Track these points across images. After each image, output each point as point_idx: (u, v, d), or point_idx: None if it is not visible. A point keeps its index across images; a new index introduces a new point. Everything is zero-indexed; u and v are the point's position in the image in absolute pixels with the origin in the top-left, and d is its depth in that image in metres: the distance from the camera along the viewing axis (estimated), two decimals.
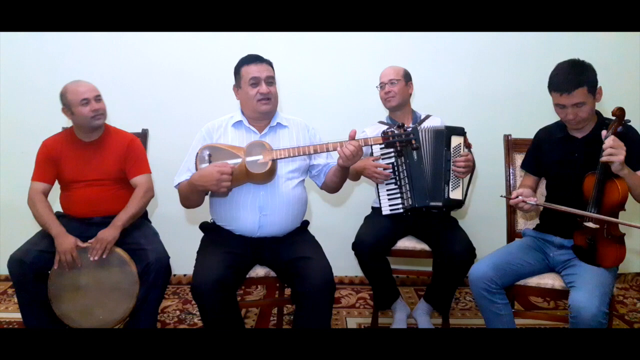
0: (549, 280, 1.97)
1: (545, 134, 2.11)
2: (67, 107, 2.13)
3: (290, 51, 2.90)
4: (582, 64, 1.85)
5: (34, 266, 2.00)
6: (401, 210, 2.30)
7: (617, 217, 1.82)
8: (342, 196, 3.04)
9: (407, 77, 2.45)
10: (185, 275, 3.06)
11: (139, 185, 2.21)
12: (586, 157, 1.88)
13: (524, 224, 2.31)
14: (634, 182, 1.77)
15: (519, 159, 2.34)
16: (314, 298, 1.82)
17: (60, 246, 2.01)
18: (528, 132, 2.22)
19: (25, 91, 2.91)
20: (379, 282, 2.35)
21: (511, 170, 2.38)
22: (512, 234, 2.33)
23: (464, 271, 2.18)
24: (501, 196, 2.12)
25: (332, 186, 2.13)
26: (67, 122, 2.41)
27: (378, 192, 2.37)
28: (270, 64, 2.03)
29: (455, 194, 2.26)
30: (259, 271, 2.08)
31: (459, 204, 2.28)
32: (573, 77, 1.80)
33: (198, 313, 2.00)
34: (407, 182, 2.28)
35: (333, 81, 2.95)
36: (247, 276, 2.05)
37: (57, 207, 2.23)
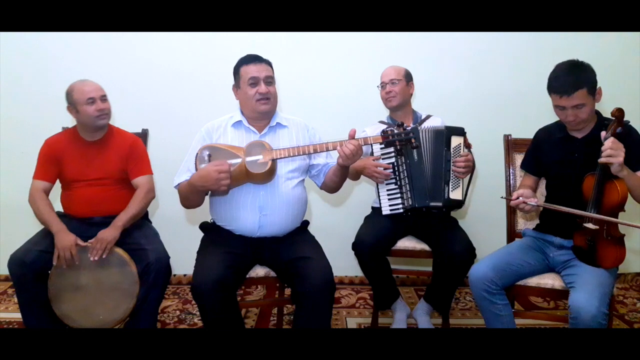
0: (549, 280, 1.97)
1: (544, 134, 2.11)
2: (73, 105, 2.14)
3: (290, 51, 2.90)
4: (582, 65, 1.84)
5: (34, 266, 2.00)
6: (401, 210, 2.30)
7: (616, 218, 1.82)
8: (342, 196, 3.04)
9: (408, 77, 2.45)
10: (185, 275, 3.06)
11: (141, 186, 2.21)
12: (586, 158, 1.88)
13: (524, 224, 2.31)
14: (634, 182, 1.77)
15: (519, 159, 2.34)
16: (314, 298, 1.82)
17: (60, 242, 2.01)
18: (528, 132, 2.22)
19: (25, 91, 2.91)
20: (379, 282, 2.35)
21: (511, 170, 2.38)
22: (512, 234, 2.33)
23: (464, 271, 2.18)
24: (502, 197, 2.12)
25: (332, 186, 2.13)
26: (68, 122, 2.41)
27: (378, 192, 2.37)
28: (269, 63, 2.03)
29: (455, 194, 2.26)
30: (259, 271, 2.08)
31: (459, 204, 2.28)
32: (572, 79, 1.80)
33: (198, 313, 2.00)
34: (407, 182, 2.28)
35: (333, 81, 2.95)
36: (247, 276, 2.05)
37: (58, 207, 2.23)
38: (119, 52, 2.89)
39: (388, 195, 2.33)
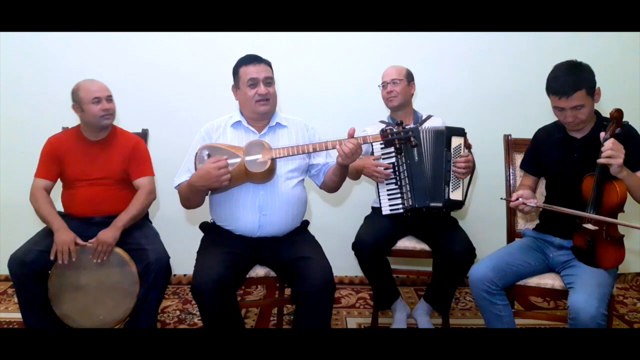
0: (549, 280, 1.97)
1: (544, 134, 2.11)
2: (78, 104, 2.14)
3: (290, 51, 2.90)
4: (580, 65, 1.84)
5: (34, 266, 2.00)
6: (401, 211, 2.30)
7: (615, 219, 1.82)
8: (342, 196, 3.04)
9: (409, 77, 2.45)
10: (185, 275, 3.06)
11: (142, 187, 2.21)
12: (585, 158, 1.88)
13: (524, 224, 2.31)
14: (633, 183, 1.77)
15: (519, 159, 2.34)
16: (314, 298, 1.82)
17: (59, 238, 2.01)
18: (528, 132, 2.21)
19: (25, 91, 2.91)
20: (379, 282, 2.35)
21: (511, 170, 2.38)
22: (512, 234, 2.33)
23: (464, 271, 2.18)
24: (501, 199, 2.12)
25: (332, 185, 2.13)
26: (68, 122, 2.41)
27: (378, 192, 2.37)
28: (268, 64, 2.02)
29: (456, 195, 2.26)
30: (259, 271, 2.08)
31: (459, 204, 2.28)
32: (571, 80, 1.79)
33: (198, 313, 2.00)
34: (407, 182, 2.28)
35: (333, 81, 2.95)
36: (247, 276, 2.05)
37: (59, 207, 2.23)
38: (119, 52, 2.89)
39: (388, 195, 2.33)
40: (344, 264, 2.69)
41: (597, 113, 1.94)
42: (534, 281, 1.99)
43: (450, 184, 2.25)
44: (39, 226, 2.19)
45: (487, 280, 1.89)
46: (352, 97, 2.93)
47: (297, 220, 2.08)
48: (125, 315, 2.06)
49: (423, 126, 2.37)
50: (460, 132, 2.28)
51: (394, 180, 2.31)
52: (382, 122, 2.51)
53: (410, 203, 2.27)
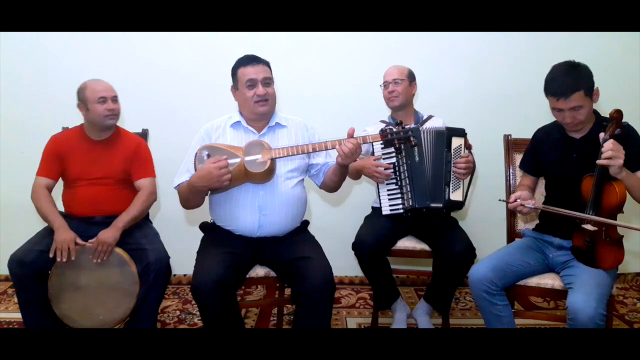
0: (549, 280, 1.97)
1: (543, 134, 2.10)
2: (84, 102, 2.15)
3: (290, 51, 2.90)
4: (578, 66, 1.83)
5: (34, 266, 2.00)
6: (401, 211, 2.30)
7: (615, 220, 1.82)
8: (342, 196, 3.04)
9: (411, 77, 2.45)
10: (185, 275, 3.06)
11: (143, 188, 2.22)
12: (584, 158, 1.88)
13: (524, 224, 2.31)
14: (633, 183, 1.77)
15: (519, 159, 2.34)
16: (314, 298, 1.82)
17: (59, 237, 2.01)
18: (528, 132, 2.21)
19: (25, 91, 2.91)
20: (379, 282, 2.35)
21: (511, 171, 2.38)
22: (512, 234, 2.33)
23: (464, 271, 2.18)
24: (500, 200, 2.12)
25: (331, 185, 2.13)
26: (68, 122, 2.41)
27: (378, 192, 2.37)
28: (267, 64, 2.02)
29: (456, 196, 2.26)
30: (259, 271, 2.08)
31: (459, 205, 2.28)
32: (569, 81, 1.79)
33: (198, 313, 2.00)
34: (407, 182, 2.28)
35: (333, 81, 2.95)
36: (247, 276, 2.05)
37: (59, 206, 2.23)
38: (119, 52, 2.89)
39: (388, 195, 2.33)
40: (344, 264, 2.69)
41: (596, 113, 1.94)
42: (534, 281, 1.99)
43: (451, 185, 2.25)
44: (39, 226, 2.19)
45: (487, 281, 1.89)
46: (352, 97, 2.93)
47: (297, 220, 2.08)
48: (125, 315, 2.06)
49: (424, 126, 2.37)
50: (461, 133, 2.28)
51: (394, 181, 2.31)
52: (382, 121, 2.51)
53: (411, 203, 2.26)
